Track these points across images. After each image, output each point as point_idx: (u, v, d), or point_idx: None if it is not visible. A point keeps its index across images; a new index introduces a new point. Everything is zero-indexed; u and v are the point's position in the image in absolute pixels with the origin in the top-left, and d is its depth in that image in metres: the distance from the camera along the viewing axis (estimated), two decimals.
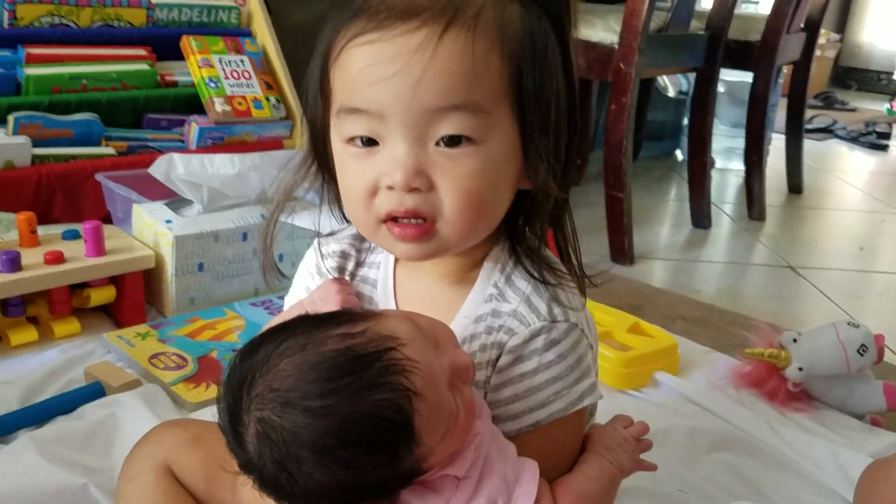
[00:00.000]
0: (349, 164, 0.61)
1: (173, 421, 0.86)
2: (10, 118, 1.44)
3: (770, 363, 1.12)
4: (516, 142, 0.60)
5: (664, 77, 3.11)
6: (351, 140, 0.60)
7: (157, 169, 1.29)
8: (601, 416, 1.03)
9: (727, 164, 2.96)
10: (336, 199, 0.70)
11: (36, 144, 1.46)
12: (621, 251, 1.99)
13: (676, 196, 2.66)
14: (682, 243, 2.21)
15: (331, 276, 0.73)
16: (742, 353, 1.16)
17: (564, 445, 0.67)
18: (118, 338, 1.19)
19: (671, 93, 3.08)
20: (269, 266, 0.72)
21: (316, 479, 0.51)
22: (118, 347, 1.17)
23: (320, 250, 0.74)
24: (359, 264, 0.73)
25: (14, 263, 1.14)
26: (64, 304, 1.22)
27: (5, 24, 1.50)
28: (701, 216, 2.28)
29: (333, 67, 0.59)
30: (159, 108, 1.64)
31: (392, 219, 0.60)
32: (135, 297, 1.27)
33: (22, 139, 1.44)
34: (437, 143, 0.57)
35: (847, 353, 1.08)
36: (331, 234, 0.75)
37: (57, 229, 1.31)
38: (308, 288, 0.74)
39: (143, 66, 1.62)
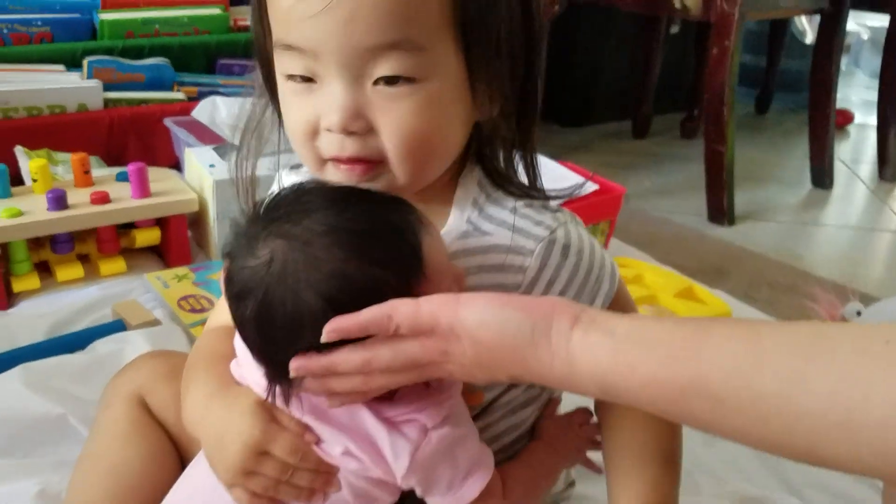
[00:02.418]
0: (290, 101, 0.57)
1: (155, 352, 0.86)
2: (85, 62, 1.50)
3: None
4: (463, 76, 0.56)
5: (802, 21, 2.83)
6: (290, 76, 0.56)
7: (202, 112, 1.29)
8: None
9: (867, 119, 2.67)
10: None
11: (109, 88, 1.51)
12: (719, 210, 1.84)
13: (804, 153, 2.43)
14: (797, 204, 2.02)
15: None
16: None
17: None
18: (156, 278, 1.22)
19: (809, 39, 2.80)
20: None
21: (326, 267, 0.49)
22: (154, 288, 1.19)
23: (283, 182, 0.70)
24: None
25: (60, 202, 1.18)
26: (111, 243, 1.26)
27: None
28: (821, 174, 2.07)
29: None
30: (231, 53, 1.66)
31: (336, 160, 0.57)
32: (179, 239, 1.29)
33: (94, 83, 1.49)
34: (376, 83, 0.53)
35: None
36: (295, 166, 0.71)
37: (112, 171, 1.34)
38: None
39: (216, 11, 1.64)
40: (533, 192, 0.63)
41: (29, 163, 1.25)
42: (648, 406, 0.46)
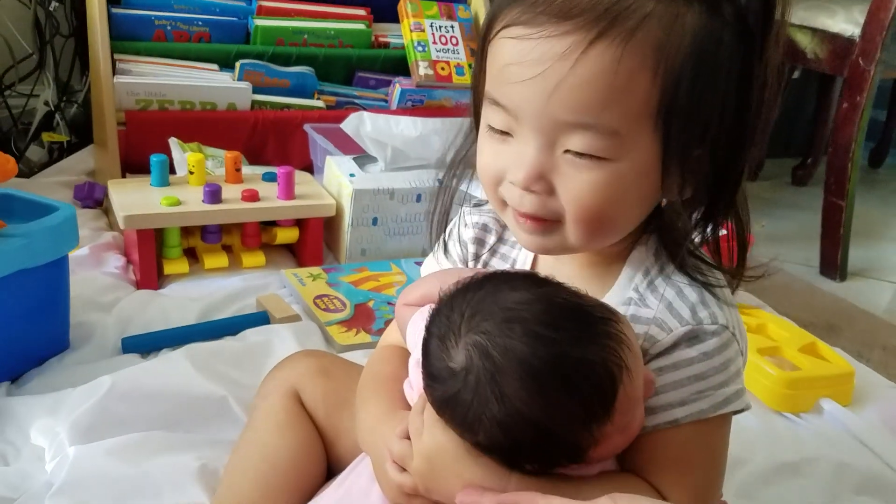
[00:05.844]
0: (485, 147, 0.61)
1: (308, 351, 0.92)
2: (237, 64, 1.59)
3: None
4: (655, 161, 0.56)
5: None
6: (491, 127, 0.59)
7: (349, 125, 1.36)
8: (753, 434, 0.97)
9: None
10: None
11: (256, 91, 1.60)
12: (832, 264, 1.82)
13: None
14: None
15: (469, 247, 0.73)
16: None
17: (706, 451, 0.61)
18: (293, 275, 1.29)
19: None
20: (437, 230, 0.72)
21: (510, 404, 0.52)
22: (291, 284, 1.27)
23: (465, 219, 0.74)
24: (500, 240, 0.73)
25: (215, 196, 1.27)
26: (254, 237, 1.34)
27: None
28: None
29: (488, 48, 0.58)
30: (370, 67, 1.73)
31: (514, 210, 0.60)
32: (314, 240, 1.36)
33: (245, 84, 1.59)
34: (566, 152, 0.55)
35: None
36: (478, 204, 0.75)
37: (260, 170, 1.43)
38: (448, 251, 0.75)
39: (361, 26, 1.71)
40: (709, 275, 0.61)
41: (188, 156, 1.34)
42: None
